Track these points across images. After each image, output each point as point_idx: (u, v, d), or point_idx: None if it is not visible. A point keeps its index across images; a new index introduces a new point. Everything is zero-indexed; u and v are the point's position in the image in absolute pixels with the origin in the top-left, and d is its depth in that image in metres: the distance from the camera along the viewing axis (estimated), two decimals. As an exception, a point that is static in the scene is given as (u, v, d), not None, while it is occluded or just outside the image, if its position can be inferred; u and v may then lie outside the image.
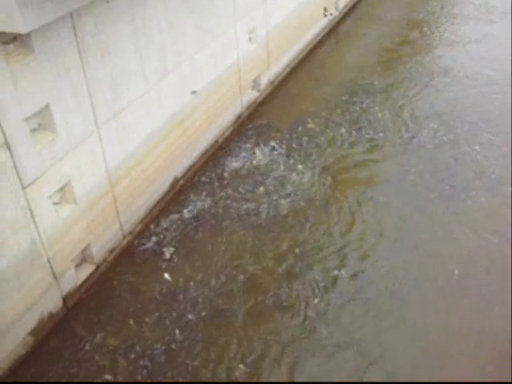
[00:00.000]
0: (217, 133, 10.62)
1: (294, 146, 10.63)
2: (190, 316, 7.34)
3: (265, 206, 9.11)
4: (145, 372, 6.68)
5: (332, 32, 15.77)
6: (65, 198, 7.09)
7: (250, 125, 11.42)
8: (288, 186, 9.52)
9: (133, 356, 6.86)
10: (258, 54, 11.71)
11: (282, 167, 10.01)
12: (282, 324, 7.22)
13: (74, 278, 7.48)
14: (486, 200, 9.08)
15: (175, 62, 8.78)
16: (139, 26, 7.72)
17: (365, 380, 6.50)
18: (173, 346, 6.97)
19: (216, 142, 10.62)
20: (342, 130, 11.04)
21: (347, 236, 8.51)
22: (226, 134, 10.94)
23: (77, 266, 7.60)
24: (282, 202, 9.17)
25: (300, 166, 10.00)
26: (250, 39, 11.28)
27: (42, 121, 6.50)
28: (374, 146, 10.56)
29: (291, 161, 10.18)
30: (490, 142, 10.41)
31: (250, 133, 11.13)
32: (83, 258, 7.76)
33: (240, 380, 6.52)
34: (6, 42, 5.80)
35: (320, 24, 15.10)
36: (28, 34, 5.76)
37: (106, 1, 6.91)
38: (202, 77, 9.67)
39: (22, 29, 5.52)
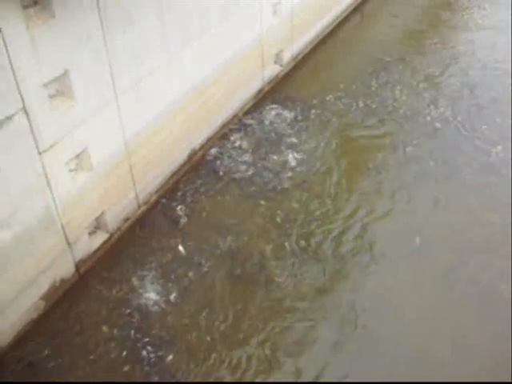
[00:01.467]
0: (237, 106, 10.56)
1: (312, 117, 10.74)
2: (190, 274, 7.59)
3: (270, 174, 9.27)
4: (136, 325, 6.93)
5: (358, 10, 15.57)
6: (81, 165, 7.08)
7: (271, 99, 11.35)
8: (298, 157, 9.67)
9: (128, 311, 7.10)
10: (281, 28, 11.56)
11: (295, 139, 10.12)
12: (267, 297, 7.36)
13: (88, 245, 7.52)
14: (474, 180, 9.12)
15: (198, 32, 8.69)
16: (162, -5, 7.65)
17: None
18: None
19: (236, 115, 10.56)
20: (356, 104, 11.19)
21: (338, 211, 8.63)
22: (246, 107, 10.88)
23: (90, 234, 7.63)
24: (287, 172, 9.33)
25: (311, 137, 10.20)
26: (274, 13, 11.15)
27: (60, 87, 6.48)
28: (381, 121, 10.67)
29: (304, 133, 10.31)
30: (496, 125, 10.41)
31: (271, 106, 11.06)
32: (97, 226, 7.78)
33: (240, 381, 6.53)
34: (26, 6, 5.75)
35: (346, 1, 14.89)
36: (49, -1, 5.73)
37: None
38: (224, 48, 9.59)
39: (42, -7, 5.49)
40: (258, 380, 6.44)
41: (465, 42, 13.68)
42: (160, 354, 6.63)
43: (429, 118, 10.63)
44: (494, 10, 15.31)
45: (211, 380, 6.43)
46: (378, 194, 8.89)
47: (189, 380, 6.43)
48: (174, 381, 6.42)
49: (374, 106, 11.05)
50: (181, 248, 7.94)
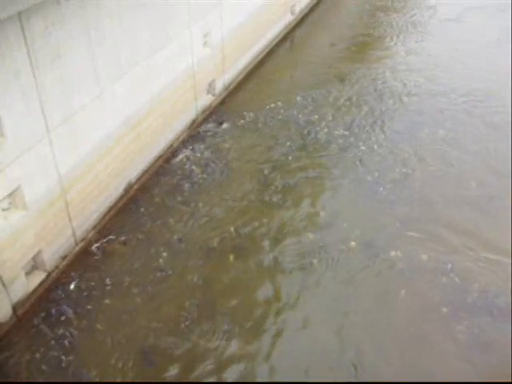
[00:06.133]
0: (171, 137, 10.53)
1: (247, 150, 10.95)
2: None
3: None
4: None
5: (288, 37, 15.97)
6: (14, 203, 6.89)
7: (205, 129, 11.43)
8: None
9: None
10: (213, 58, 11.66)
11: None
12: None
13: (25, 285, 7.28)
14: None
15: (128, 64, 8.65)
16: (91, 27, 7.57)
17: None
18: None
19: (171, 146, 10.52)
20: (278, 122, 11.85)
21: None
22: (181, 138, 10.86)
23: (27, 274, 7.40)
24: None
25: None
26: (205, 43, 11.22)
27: (-11, 125, 6.33)
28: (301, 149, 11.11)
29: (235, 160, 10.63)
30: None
31: (204, 137, 11.15)
32: (34, 265, 7.56)
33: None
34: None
35: (276, 29, 15.16)
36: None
37: (56, 2, 6.75)
38: (156, 80, 9.56)
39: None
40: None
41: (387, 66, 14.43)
42: None
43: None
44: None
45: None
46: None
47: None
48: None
49: (293, 124, 11.71)
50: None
